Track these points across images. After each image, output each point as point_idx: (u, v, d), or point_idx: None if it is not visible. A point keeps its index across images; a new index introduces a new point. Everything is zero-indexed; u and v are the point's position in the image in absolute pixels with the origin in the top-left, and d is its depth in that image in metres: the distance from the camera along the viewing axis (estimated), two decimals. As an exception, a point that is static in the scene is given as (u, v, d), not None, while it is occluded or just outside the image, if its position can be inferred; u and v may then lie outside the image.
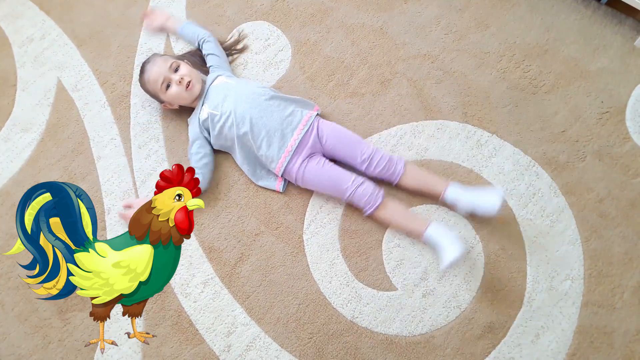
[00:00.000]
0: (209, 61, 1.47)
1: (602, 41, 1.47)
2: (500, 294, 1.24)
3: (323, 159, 1.32)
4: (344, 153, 1.31)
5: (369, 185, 1.27)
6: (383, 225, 1.31)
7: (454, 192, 1.25)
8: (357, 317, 1.25)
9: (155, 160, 1.46)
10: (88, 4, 1.70)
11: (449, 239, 1.18)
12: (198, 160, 1.35)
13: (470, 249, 1.28)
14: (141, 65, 1.41)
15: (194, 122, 1.40)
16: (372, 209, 1.25)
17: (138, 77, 1.43)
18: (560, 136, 1.38)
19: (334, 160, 1.34)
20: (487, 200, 1.20)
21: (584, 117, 1.40)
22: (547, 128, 1.39)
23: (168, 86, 1.36)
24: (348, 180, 1.27)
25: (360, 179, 1.28)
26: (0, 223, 1.42)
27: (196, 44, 1.52)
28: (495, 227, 1.30)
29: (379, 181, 1.33)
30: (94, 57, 1.61)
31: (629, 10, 1.48)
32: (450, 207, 1.29)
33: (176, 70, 1.36)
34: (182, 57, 1.48)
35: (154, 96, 1.42)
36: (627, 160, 1.34)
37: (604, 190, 1.31)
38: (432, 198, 1.31)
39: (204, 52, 1.49)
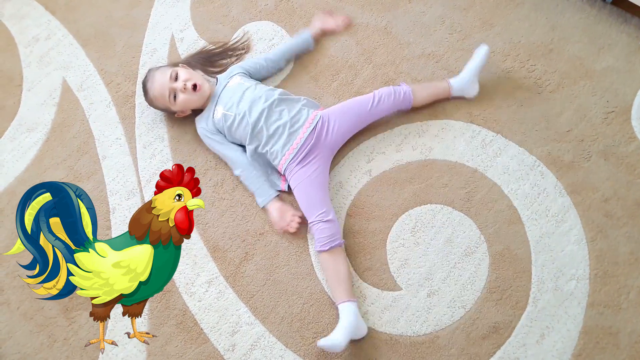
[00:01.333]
0: (254, 59, 1.48)
1: (607, 40, 1.47)
2: (505, 294, 1.24)
3: (317, 172, 1.30)
4: (355, 118, 1.35)
5: (333, 227, 1.25)
6: (388, 223, 1.31)
7: (456, 85, 1.38)
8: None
9: (160, 160, 1.46)
10: (93, 5, 1.71)
11: (348, 327, 1.15)
12: (243, 172, 1.36)
13: (476, 248, 1.27)
14: (142, 85, 1.42)
15: (204, 128, 1.39)
16: (321, 248, 1.24)
17: (144, 98, 1.43)
18: (565, 136, 1.37)
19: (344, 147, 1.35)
20: (477, 57, 1.36)
21: (589, 116, 1.39)
22: (552, 127, 1.39)
23: (175, 96, 1.36)
24: (319, 209, 1.26)
25: (331, 215, 1.26)
26: (6, 222, 1.43)
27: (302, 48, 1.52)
28: (500, 226, 1.29)
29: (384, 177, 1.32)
30: (99, 57, 1.62)
31: (635, 10, 1.47)
32: (460, 192, 1.33)
33: (176, 78, 1.36)
34: (184, 61, 1.48)
35: (166, 110, 1.44)
36: (633, 159, 1.33)
37: (610, 190, 1.31)
38: (441, 187, 1.34)
39: (274, 56, 1.49)
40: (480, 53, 1.37)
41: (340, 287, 1.22)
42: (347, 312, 1.18)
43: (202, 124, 1.41)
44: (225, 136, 1.40)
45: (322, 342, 1.14)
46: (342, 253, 1.26)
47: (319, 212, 1.25)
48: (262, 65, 1.47)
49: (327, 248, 1.23)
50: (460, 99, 1.42)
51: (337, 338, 1.14)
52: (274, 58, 1.49)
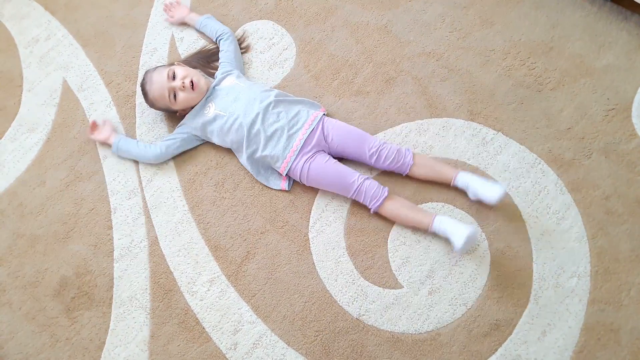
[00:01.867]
0: (221, 57, 1.48)
1: (607, 38, 1.47)
2: (506, 291, 1.24)
3: (328, 156, 1.32)
4: (352, 149, 1.32)
5: (374, 181, 1.27)
6: (389, 221, 1.31)
7: (464, 178, 1.28)
8: (363, 315, 1.25)
9: (160, 160, 1.46)
10: (93, 5, 1.71)
11: (457, 224, 1.20)
12: (168, 138, 1.40)
13: (477, 246, 1.28)
14: (141, 89, 1.42)
15: (190, 119, 1.39)
16: (378, 203, 1.26)
17: (145, 101, 1.43)
18: (566, 133, 1.38)
19: (341, 158, 1.35)
20: (488, 191, 1.23)
21: (590, 114, 1.39)
22: (553, 125, 1.39)
23: (175, 95, 1.36)
24: (354, 175, 1.28)
25: (365, 176, 1.29)
26: (8, 222, 1.43)
27: (214, 40, 1.54)
28: (502, 224, 1.30)
29: (387, 175, 1.33)
30: (99, 57, 1.62)
31: (635, 7, 1.48)
32: (461, 191, 1.31)
33: (174, 77, 1.36)
34: (183, 61, 1.48)
35: (167, 110, 1.44)
36: (634, 157, 1.33)
37: (610, 187, 1.31)
38: (442, 185, 1.32)
39: (220, 48, 1.51)
40: (494, 195, 1.20)
41: (419, 213, 1.26)
42: (443, 220, 1.22)
43: (188, 117, 1.40)
44: (197, 135, 1.40)
45: (461, 243, 1.15)
46: (393, 194, 1.28)
47: (357, 175, 1.27)
48: (230, 53, 1.48)
49: (386, 193, 1.26)
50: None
51: (464, 231, 1.15)
52: (227, 43, 1.50)
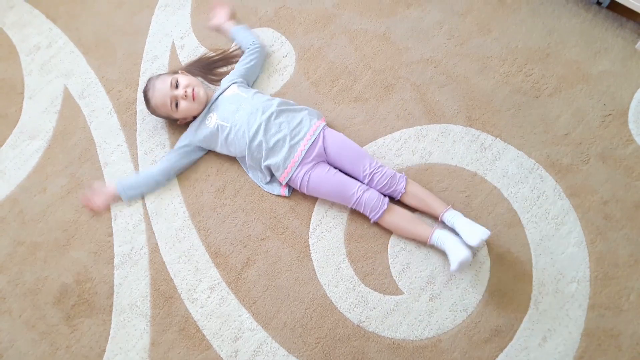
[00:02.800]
0: (236, 66, 1.49)
1: (603, 44, 1.48)
2: (506, 297, 1.24)
3: (329, 167, 1.33)
4: (347, 165, 1.33)
5: (374, 192, 1.28)
6: (389, 231, 1.32)
7: (451, 217, 1.25)
8: (363, 322, 1.25)
9: (161, 166, 1.47)
10: (94, 12, 1.72)
11: (455, 243, 1.20)
12: (171, 152, 1.41)
13: (476, 253, 1.28)
14: (143, 95, 1.42)
15: (192, 131, 1.40)
16: (378, 215, 1.26)
17: (146, 107, 1.44)
18: (563, 139, 1.39)
19: (338, 169, 1.35)
20: (471, 233, 1.19)
21: (587, 119, 1.40)
22: (550, 131, 1.40)
23: (177, 104, 1.37)
24: (354, 187, 1.28)
25: (366, 186, 1.29)
26: (8, 230, 1.43)
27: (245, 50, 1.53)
28: (501, 230, 1.30)
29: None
30: (100, 65, 1.63)
31: (630, 14, 1.49)
32: (459, 195, 1.33)
33: (177, 85, 1.37)
34: (185, 69, 1.49)
35: (168, 117, 1.44)
36: (631, 162, 1.34)
37: (608, 192, 1.32)
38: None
39: (242, 57, 1.51)
40: (475, 239, 1.18)
41: (419, 226, 1.26)
42: (441, 236, 1.22)
43: (191, 128, 1.41)
44: (200, 146, 1.41)
45: (454, 267, 1.16)
46: (393, 204, 1.29)
47: (357, 186, 1.28)
48: (251, 65, 1.48)
49: (386, 206, 1.26)
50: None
51: (460, 254, 1.16)
52: (250, 53, 1.49)
